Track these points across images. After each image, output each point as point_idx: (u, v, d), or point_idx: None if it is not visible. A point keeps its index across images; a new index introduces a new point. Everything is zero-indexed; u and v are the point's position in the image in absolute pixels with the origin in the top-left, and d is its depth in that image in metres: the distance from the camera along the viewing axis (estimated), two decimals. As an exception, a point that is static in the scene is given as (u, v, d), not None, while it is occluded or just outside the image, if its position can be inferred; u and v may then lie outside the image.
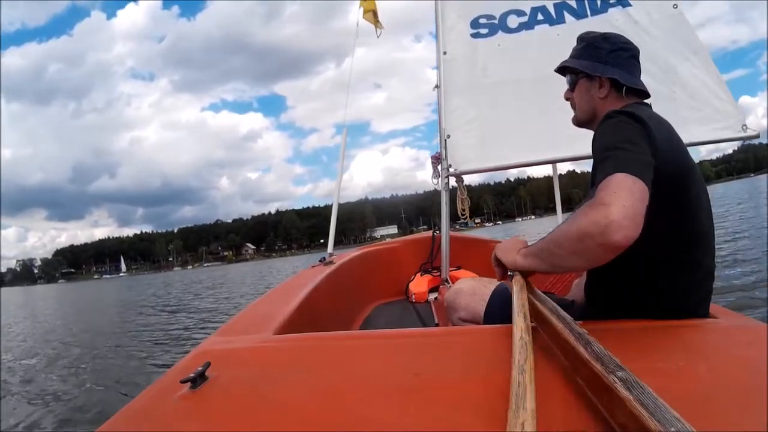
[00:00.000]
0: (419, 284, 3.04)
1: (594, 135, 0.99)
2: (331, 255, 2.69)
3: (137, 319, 9.91)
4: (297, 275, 2.35)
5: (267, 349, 1.01)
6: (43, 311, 16.94)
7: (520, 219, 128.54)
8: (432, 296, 2.90)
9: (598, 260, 0.80)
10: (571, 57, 1.22)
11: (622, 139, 0.89)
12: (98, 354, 6.10)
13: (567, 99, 1.25)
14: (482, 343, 0.94)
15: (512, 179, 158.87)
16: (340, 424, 0.65)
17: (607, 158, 0.86)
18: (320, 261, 2.59)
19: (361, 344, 1.04)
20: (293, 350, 1.00)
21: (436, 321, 2.40)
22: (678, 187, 0.94)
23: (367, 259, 3.18)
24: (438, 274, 2.91)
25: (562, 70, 1.25)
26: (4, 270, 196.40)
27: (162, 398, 0.79)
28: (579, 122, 1.24)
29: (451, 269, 2.62)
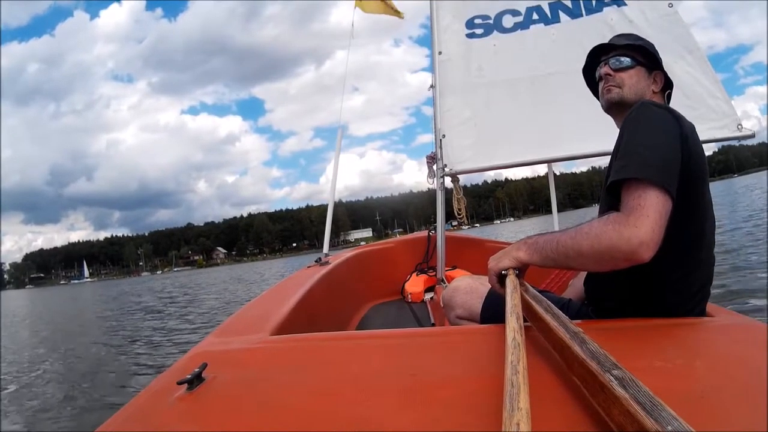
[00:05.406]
0: (415, 284, 3.05)
1: (632, 112, 0.99)
2: (326, 255, 2.69)
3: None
4: (293, 275, 2.34)
5: (263, 350, 1.01)
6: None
7: (498, 221, 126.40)
8: (428, 296, 2.90)
9: (616, 268, 0.86)
10: (630, 43, 1.18)
11: (661, 141, 0.92)
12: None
13: (607, 75, 1.16)
14: (479, 343, 0.94)
15: (489, 181, 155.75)
16: (336, 424, 0.65)
17: (642, 155, 0.89)
18: (316, 261, 2.58)
19: (358, 344, 1.04)
20: (290, 351, 1.00)
21: (432, 321, 2.40)
22: (696, 188, 0.96)
23: (363, 260, 3.18)
24: (434, 273, 2.92)
25: (624, 47, 1.17)
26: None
27: (159, 400, 0.78)
28: (623, 101, 1.13)
29: (446, 269, 2.62)
